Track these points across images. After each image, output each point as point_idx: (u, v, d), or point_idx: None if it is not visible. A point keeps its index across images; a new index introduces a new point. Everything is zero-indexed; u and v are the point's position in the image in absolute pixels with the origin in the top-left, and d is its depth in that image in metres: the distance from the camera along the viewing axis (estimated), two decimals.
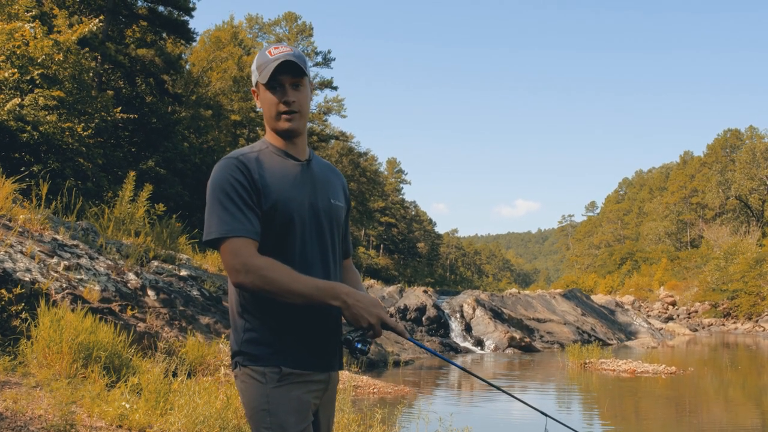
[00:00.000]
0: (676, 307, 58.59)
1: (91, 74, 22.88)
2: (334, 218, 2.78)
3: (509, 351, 23.98)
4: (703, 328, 47.62)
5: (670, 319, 53.02)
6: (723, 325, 48.63)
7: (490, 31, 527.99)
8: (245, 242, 2.47)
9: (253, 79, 2.71)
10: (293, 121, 2.65)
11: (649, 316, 50.13)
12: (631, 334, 33.94)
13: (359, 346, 2.59)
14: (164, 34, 35.08)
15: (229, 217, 2.47)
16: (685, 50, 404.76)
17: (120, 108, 23.07)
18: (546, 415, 2.96)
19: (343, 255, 2.92)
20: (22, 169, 14.44)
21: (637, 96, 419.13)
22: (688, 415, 12.33)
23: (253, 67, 2.70)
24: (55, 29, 19.95)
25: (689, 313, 55.08)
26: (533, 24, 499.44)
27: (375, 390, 12.54)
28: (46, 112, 16.74)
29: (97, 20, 22.45)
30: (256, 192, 2.54)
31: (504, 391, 2.96)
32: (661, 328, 39.25)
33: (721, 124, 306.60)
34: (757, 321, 46.05)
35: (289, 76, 2.63)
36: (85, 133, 17.98)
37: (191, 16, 34.11)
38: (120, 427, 5.62)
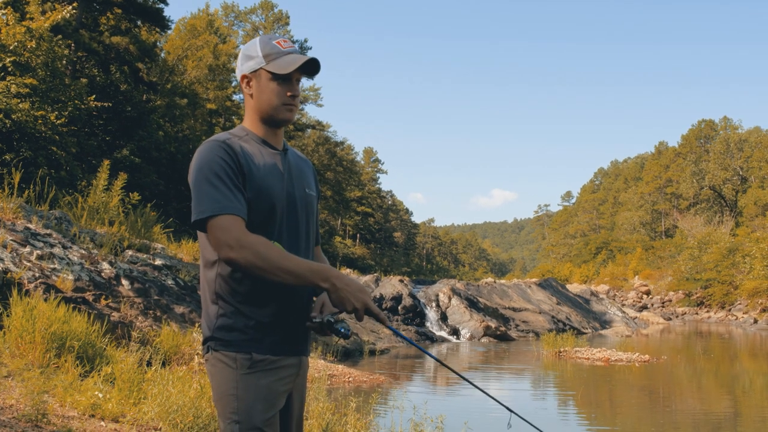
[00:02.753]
0: (650, 296, 59.07)
1: (64, 62, 22.65)
2: (309, 207, 2.84)
3: (485, 340, 24.09)
4: (677, 317, 48.05)
5: (644, 308, 53.45)
6: (696, 313, 49.06)
7: (467, 21, 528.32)
8: (236, 219, 2.49)
9: (251, 65, 2.74)
10: (292, 111, 2.75)
11: (623, 305, 50.51)
12: (605, 323, 34.17)
13: (342, 330, 2.64)
14: (139, 22, 34.86)
15: (221, 195, 2.50)
16: (660, 42, 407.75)
17: (94, 96, 22.85)
18: (510, 410, 2.99)
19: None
20: None
21: (613, 87, 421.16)
22: (661, 403, 12.44)
23: (256, 53, 2.73)
24: (28, 16, 19.77)
25: (663, 302, 55.56)
26: (509, 15, 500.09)
27: (350, 379, 12.56)
28: (19, 100, 16.56)
29: (70, 7, 22.26)
30: (242, 176, 2.58)
31: (472, 383, 2.98)
32: (636, 317, 39.56)
33: (696, 115, 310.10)
34: (729, 310, 46.49)
35: (301, 72, 2.74)
36: (58, 122, 17.80)
37: (166, 4, 34.01)
38: (92, 416, 5.59)
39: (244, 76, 2.77)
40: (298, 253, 2.71)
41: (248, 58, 2.75)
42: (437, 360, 3.01)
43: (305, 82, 67.78)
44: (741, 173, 78.34)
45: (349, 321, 2.85)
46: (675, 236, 79.15)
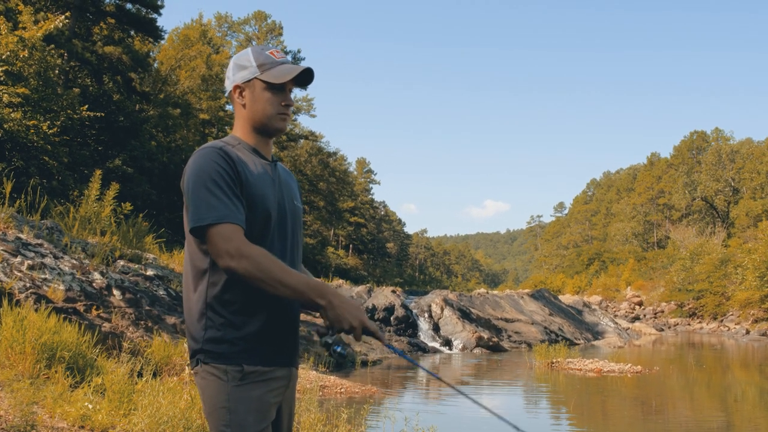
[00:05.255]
0: (642, 307, 59.19)
1: (57, 71, 22.65)
2: (297, 220, 2.83)
3: (477, 351, 24.06)
4: (669, 327, 48.09)
5: (636, 318, 53.51)
6: (688, 324, 49.16)
7: (459, 31, 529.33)
8: (237, 228, 2.47)
9: (244, 75, 2.74)
10: (286, 121, 2.77)
11: (616, 315, 50.56)
12: (598, 334, 34.16)
13: (339, 349, 2.63)
14: (132, 32, 34.89)
15: (220, 203, 2.47)
16: (652, 52, 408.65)
17: (86, 106, 22.77)
18: (517, 428, 2.91)
19: None
20: None
21: (605, 97, 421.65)
22: (653, 414, 12.44)
23: (250, 63, 2.73)
24: (20, 25, 19.74)
25: (655, 313, 55.67)
26: (501, 24, 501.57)
27: (342, 390, 12.52)
28: (11, 110, 16.53)
29: (63, 17, 22.21)
30: (239, 184, 2.56)
31: (471, 399, 2.96)
32: (628, 328, 39.57)
33: (688, 126, 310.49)
34: (721, 321, 46.59)
35: (295, 83, 2.78)
36: (50, 131, 17.75)
37: (159, 14, 34.00)
38: (82, 427, 5.56)
39: (236, 86, 2.75)
40: (287, 264, 2.69)
41: (241, 68, 2.74)
42: (434, 375, 2.99)
43: (299, 93, 67.71)
44: (733, 184, 78.66)
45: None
46: (667, 247, 79.32)
